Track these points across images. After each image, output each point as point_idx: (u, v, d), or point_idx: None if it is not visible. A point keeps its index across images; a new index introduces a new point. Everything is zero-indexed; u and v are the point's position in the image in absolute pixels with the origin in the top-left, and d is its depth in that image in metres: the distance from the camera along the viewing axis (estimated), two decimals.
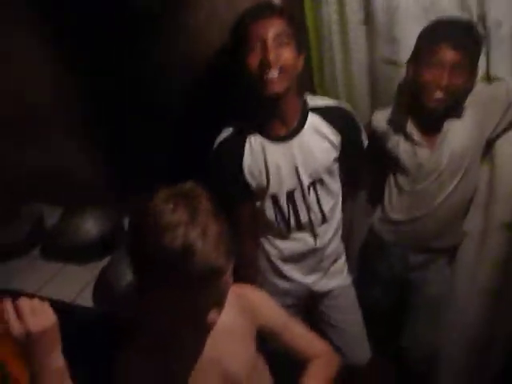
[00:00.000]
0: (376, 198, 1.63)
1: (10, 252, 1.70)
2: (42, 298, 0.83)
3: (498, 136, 1.42)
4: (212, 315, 0.82)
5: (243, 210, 1.39)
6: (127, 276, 1.46)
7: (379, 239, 1.60)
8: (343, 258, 1.54)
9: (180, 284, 0.76)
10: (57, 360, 0.80)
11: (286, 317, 1.09)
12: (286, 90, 1.22)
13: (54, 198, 1.89)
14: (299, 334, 1.08)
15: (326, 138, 1.31)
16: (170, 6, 1.40)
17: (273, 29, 1.17)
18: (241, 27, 1.22)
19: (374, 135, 1.50)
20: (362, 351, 1.57)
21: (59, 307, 1.25)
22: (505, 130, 1.41)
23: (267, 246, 1.44)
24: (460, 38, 1.29)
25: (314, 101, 1.34)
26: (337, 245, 1.48)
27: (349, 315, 1.56)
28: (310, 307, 1.56)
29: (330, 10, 1.48)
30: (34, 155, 1.88)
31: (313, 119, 1.31)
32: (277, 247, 1.42)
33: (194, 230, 0.75)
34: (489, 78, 1.40)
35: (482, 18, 1.33)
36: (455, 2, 1.35)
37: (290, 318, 1.09)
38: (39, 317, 0.77)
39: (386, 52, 1.48)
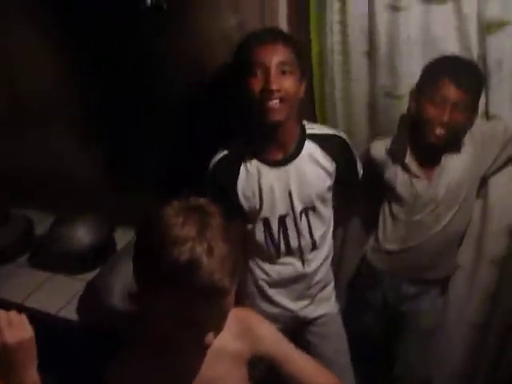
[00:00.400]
0: (369, 227, 1.63)
1: None
2: (22, 309, 0.83)
3: (494, 172, 1.44)
4: (209, 337, 0.81)
5: (233, 231, 1.37)
6: (117, 289, 1.44)
7: (372, 268, 1.59)
8: (331, 285, 1.53)
9: (182, 298, 0.76)
10: (33, 374, 0.81)
11: (289, 346, 1.06)
12: (286, 118, 1.22)
13: (46, 203, 1.88)
14: (302, 365, 1.04)
15: (321, 165, 1.32)
16: (174, 4, 1.41)
17: (277, 56, 1.17)
18: (245, 49, 1.21)
19: (371, 164, 1.50)
20: (347, 381, 1.54)
21: (41, 319, 1.24)
22: (501, 167, 1.43)
23: (255, 270, 1.43)
24: (463, 76, 1.30)
25: (311, 128, 1.35)
26: (326, 272, 1.46)
27: (335, 344, 1.54)
28: (296, 335, 1.54)
29: (334, 40, 1.50)
30: (28, 155, 1.87)
31: (309, 146, 1.31)
32: (265, 271, 1.41)
33: (201, 245, 0.75)
34: (488, 116, 1.42)
35: (483, 56, 1.36)
36: (455, 40, 1.38)
37: (293, 348, 1.06)
38: (16, 329, 0.78)
39: (387, 83, 1.50)
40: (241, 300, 1.43)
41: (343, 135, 1.39)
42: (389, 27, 1.41)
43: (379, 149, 1.49)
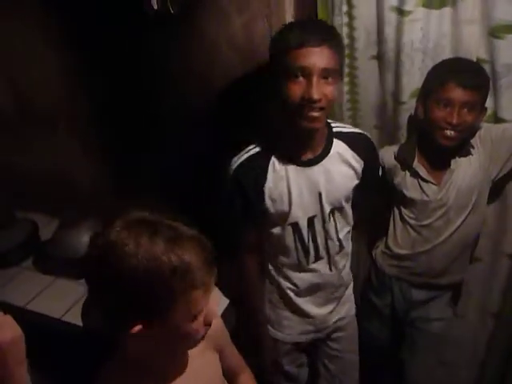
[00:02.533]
0: (379, 232, 1.62)
1: (1, 261, 1.66)
2: (25, 313, 0.83)
3: (506, 176, 1.43)
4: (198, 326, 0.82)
5: (253, 233, 1.35)
6: None
7: (382, 273, 1.59)
8: (351, 286, 1.51)
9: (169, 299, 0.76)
10: (23, 374, 0.80)
11: (230, 340, 1.11)
12: (321, 125, 1.19)
13: (51, 208, 1.87)
14: (234, 351, 1.12)
15: (350, 165, 1.28)
16: (186, 10, 1.39)
17: (321, 61, 1.07)
18: (285, 48, 1.09)
19: (381, 170, 1.50)
20: (354, 379, 1.58)
21: (46, 323, 1.23)
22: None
23: (280, 279, 1.38)
24: (468, 77, 1.31)
25: (337, 126, 1.30)
26: (348, 272, 1.45)
27: (351, 345, 1.55)
28: (320, 346, 1.53)
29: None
30: (34, 159, 1.87)
31: (338, 145, 1.27)
32: (292, 280, 1.37)
33: (174, 253, 0.75)
34: (496, 120, 1.42)
35: (490, 61, 1.35)
36: (455, 46, 1.38)
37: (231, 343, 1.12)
38: (5, 329, 0.77)
39: (393, 88, 1.51)
40: (257, 311, 1.44)
41: (368, 134, 1.36)
42: (395, 32, 1.41)
43: (389, 155, 1.49)
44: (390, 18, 1.40)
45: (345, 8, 1.46)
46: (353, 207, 1.36)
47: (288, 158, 1.24)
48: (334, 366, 1.54)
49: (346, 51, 1.50)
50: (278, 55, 1.13)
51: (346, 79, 1.56)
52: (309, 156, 1.24)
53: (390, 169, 1.49)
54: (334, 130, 1.28)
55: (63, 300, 1.56)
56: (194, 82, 1.52)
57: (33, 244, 1.76)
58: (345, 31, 1.49)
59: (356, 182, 1.31)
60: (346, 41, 1.50)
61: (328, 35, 1.10)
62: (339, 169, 1.27)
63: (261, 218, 1.29)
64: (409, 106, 1.49)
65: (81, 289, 1.58)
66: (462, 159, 1.41)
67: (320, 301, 1.41)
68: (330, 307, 1.43)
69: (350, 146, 1.27)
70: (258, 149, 1.26)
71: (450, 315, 1.61)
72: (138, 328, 0.76)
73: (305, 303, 1.40)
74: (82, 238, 1.66)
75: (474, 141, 1.41)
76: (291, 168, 1.24)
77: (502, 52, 1.32)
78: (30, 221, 1.83)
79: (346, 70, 1.54)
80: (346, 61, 1.52)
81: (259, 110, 1.41)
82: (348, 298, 1.49)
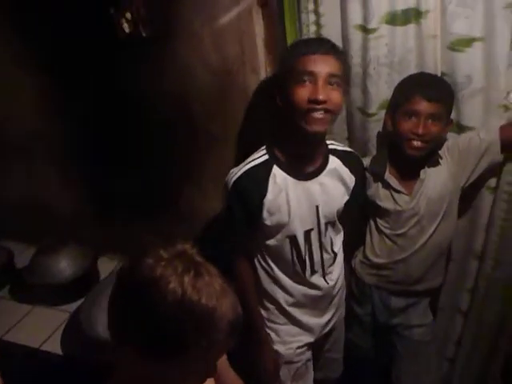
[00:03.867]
0: (357, 242, 1.65)
1: None
2: (3, 344, 0.80)
3: (474, 182, 1.48)
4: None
5: (250, 250, 1.36)
6: (101, 320, 1.40)
7: (361, 282, 1.61)
8: (344, 291, 1.54)
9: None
10: None
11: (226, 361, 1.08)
12: (326, 130, 1.22)
13: (27, 234, 1.84)
14: (231, 375, 1.09)
15: (343, 180, 1.32)
16: (159, 33, 1.42)
17: (327, 67, 1.15)
18: (294, 56, 1.18)
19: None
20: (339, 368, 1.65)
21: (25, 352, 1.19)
22: (479, 177, 1.47)
23: (277, 292, 1.38)
24: (432, 90, 1.36)
25: (332, 144, 1.34)
26: (342, 279, 1.48)
27: (337, 344, 1.59)
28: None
29: None
30: (9, 185, 1.84)
31: (334, 161, 1.30)
32: (289, 292, 1.37)
33: (217, 286, 0.75)
34: (460, 128, 1.47)
35: (450, 73, 1.41)
36: (419, 60, 1.44)
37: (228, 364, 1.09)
38: None
39: (361, 102, 1.55)
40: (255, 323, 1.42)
41: (357, 153, 1.42)
42: (361, 48, 1.46)
43: None
44: (356, 35, 1.45)
45: (313, 28, 1.51)
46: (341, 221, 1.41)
47: (288, 171, 1.25)
48: (321, 365, 1.57)
49: None
50: (288, 62, 1.19)
51: None
52: (308, 170, 1.27)
53: None
54: (329, 146, 1.32)
55: (42, 329, 1.52)
56: (169, 104, 1.54)
57: (8, 272, 1.72)
58: None
59: (347, 197, 1.34)
60: None
61: (334, 47, 1.21)
62: (334, 184, 1.30)
63: (258, 230, 1.29)
64: (377, 117, 1.54)
65: (60, 315, 1.55)
66: (432, 169, 1.46)
67: (318, 312, 1.43)
68: (327, 316, 1.45)
69: (344, 163, 1.32)
70: (258, 161, 1.26)
71: (430, 320, 1.64)
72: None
73: (303, 315, 1.41)
74: (61, 264, 1.64)
75: (443, 151, 1.46)
76: (291, 181, 1.25)
77: (463, 64, 1.38)
78: (5, 249, 1.80)
79: None
80: None
81: (252, 125, 1.45)
82: (342, 303, 1.53)
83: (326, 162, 1.29)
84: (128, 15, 1.35)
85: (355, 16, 1.43)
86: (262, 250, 1.35)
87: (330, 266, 1.39)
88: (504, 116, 1.41)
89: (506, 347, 1.64)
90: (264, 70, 1.45)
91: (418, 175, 1.46)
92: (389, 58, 1.46)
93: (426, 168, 1.45)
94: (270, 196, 1.24)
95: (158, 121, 1.56)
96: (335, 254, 1.38)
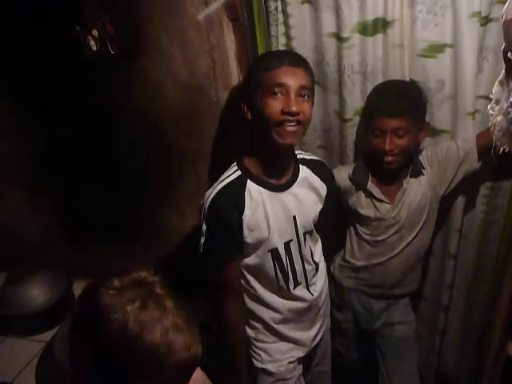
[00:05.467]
0: (336, 247, 1.66)
1: None
2: None
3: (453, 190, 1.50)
4: None
5: (233, 269, 1.29)
6: None
7: (340, 287, 1.61)
8: (329, 302, 1.54)
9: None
10: None
11: None
12: (297, 142, 1.21)
13: None
14: None
15: (315, 189, 1.32)
16: (127, 50, 1.39)
17: (298, 79, 1.15)
18: (265, 68, 1.16)
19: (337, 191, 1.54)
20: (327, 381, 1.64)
21: None
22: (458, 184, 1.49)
23: (261, 310, 1.34)
24: (393, 106, 1.37)
25: (300, 154, 1.34)
26: (327, 290, 1.48)
27: (324, 357, 1.57)
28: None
29: None
30: None
31: (304, 171, 1.30)
32: (274, 308, 1.34)
33: (168, 322, 0.72)
34: (434, 132, 1.49)
35: (425, 80, 1.42)
36: (388, 69, 1.45)
37: None
38: None
39: (337, 107, 1.56)
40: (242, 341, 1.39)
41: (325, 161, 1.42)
42: (335, 56, 1.47)
43: (343, 176, 1.53)
44: (330, 44, 1.46)
45: (283, 40, 1.50)
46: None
47: (262, 184, 1.23)
48: (308, 379, 1.55)
49: None
50: (258, 75, 1.18)
51: None
52: (281, 181, 1.26)
53: (344, 189, 1.53)
54: (298, 156, 1.32)
55: (15, 361, 1.45)
56: (140, 122, 1.51)
57: None
58: None
59: (320, 206, 1.34)
60: None
61: (304, 60, 1.22)
62: (306, 193, 1.30)
63: (238, 250, 1.25)
64: (353, 122, 1.55)
65: (35, 346, 1.48)
66: (413, 180, 1.47)
67: (306, 325, 1.41)
68: (316, 328, 1.44)
69: (313, 172, 1.32)
70: (230, 178, 1.23)
71: (412, 318, 1.65)
72: None
73: (291, 330, 1.38)
74: (33, 292, 1.57)
75: (423, 161, 1.47)
76: (266, 193, 1.23)
77: (435, 70, 1.40)
78: None
79: None
80: None
81: (226, 140, 1.43)
82: (327, 314, 1.52)
83: (297, 172, 1.29)
84: (95, 33, 1.31)
85: (328, 24, 1.43)
86: (243, 271, 1.30)
87: (313, 276, 1.38)
88: (472, 123, 1.43)
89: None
90: (237, 85, 1.43)
91: (401, 184, 1.47)
92: (362, 66, 1.48)
93: (408, 178, 1.46)
94: (247, 212, 1.21)
95: (130, 140, 1.52)
96: (316, 264, 1.38)
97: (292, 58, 1.19)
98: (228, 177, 1.23)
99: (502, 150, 1.07)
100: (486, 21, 1.30)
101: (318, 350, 1.52)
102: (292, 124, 1.15)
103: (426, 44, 1.37)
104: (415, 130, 1.39)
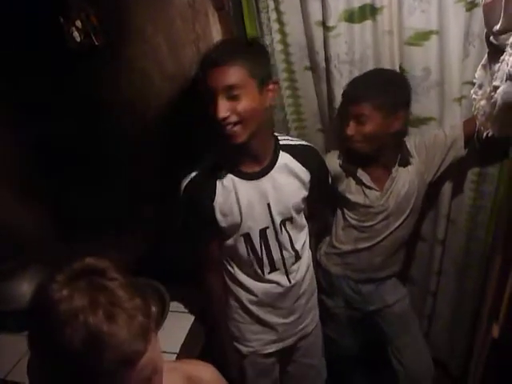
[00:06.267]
0: (323, 234, 1.68)
1: None
2: None
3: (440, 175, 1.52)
4: None
5: (211, 247, 1.34)
6: None
7: (328, 274, 1.64)
8: (316, 294, 1.52)
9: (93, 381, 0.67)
10: None
11: None
12: (249, 138, 1.16)
13: None
14: None
15: (296, 176, 1.29)
16: (112, 41, 1.37)
17: (222, 79, 1.08)
18: (200, 73, 1.14)
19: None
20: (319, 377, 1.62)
21: None
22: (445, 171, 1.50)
23: (239, 291, 1.37)
24: (356, 91, 1.40)
25: (284, 139, 1.32)
26: (310, 280, 1.46)
27: (315, 351, 1.57)
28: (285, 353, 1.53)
29: (278, 59, 1.55)
30: None
31: (284, 157, 1.28)
32: (250, 290, 1.36)
33: (97, 313, 0.66)
34: (421, 121, 1.50)
35: (409, 66, 1.43)
36: (377, 56, 1.46)
37: None
38: None
39: (327, 95, 1.57)
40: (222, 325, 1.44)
41: (315, 146, 1.39)
42: (323, 45, 1.47)
43: (334, 162, 1.54)
44: (317, 32, 1.46)
45: (276, 26, 1.50)
46: (309, 217, 1.40)
47: (234, 173, 1.24)
48: (298, 372, 1.56)
49: (284, 65, 1.57)
50: (198, 79, 1.16)
51: (286, 86, 1.61)
52: (255, 169, 1.25)
53: (335, 175, 1.54)
54: (281, 142, 1.30)
55: (7, 357, 1.45)
56: (127, 113, 1.49)
57: None
58: (279, 48, 1.54)
59: (305, 193, 1.32)
60: (281, 56, 1.55)
61: (229, 54, 1.11)
62: (287, 180, 1.28)
63: (215, 232, 1.29)
64: None
65: (25, 342, 1.47)
66: (402, 169, 1.48)
67: (283, 312, 1.41)
68: (294, 317, 1.43)
69: (295, 158, 1.29)
70: (204, 167, 1.26)
71: (404, 292, 1.68)
72: None
73: (267, 314, 1.39)
74: (24, 289, 1.56)
75: (411, 150, 1.47)
76: (239, 181, 1.24)
77: (421, 58, 1.40)
78: None
79: (286, 82, 1.60)
80: (285, 74, 1.58)
81: (199, 130, 1.41)
82: (313, 306, 1.51)
83: (275, 159, 1.27)
84: (78, 24, 1.30)
85: (316, 13, 1.43)
86: (223, 252, 1.35)
87: (293, 264, 1.37)
88: (458, 109, 1.44)
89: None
90: None
91: (390, 172, 1.48)
92: (349, 55, 1.48)
93: (397, 166, 1.48)
94: (219, 199, 1.25)
95: (118, 131, 1.51)
96: (296, 252, 1.36)
97: (221, 55, 1.10)
98: (201, 165, 1.26)
99: (485, 134, 1.07)
100: (471, 6, 1.30)
101: (303, 343, 1.51)
102: (229, 127, 1.12)
103: (412, 32, 1.37)
104: (382, 117, 1.38)
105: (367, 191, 1.50)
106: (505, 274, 0.80)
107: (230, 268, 1.36)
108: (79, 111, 1.52)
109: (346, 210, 1.56)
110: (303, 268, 1.40)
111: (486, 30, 0.94)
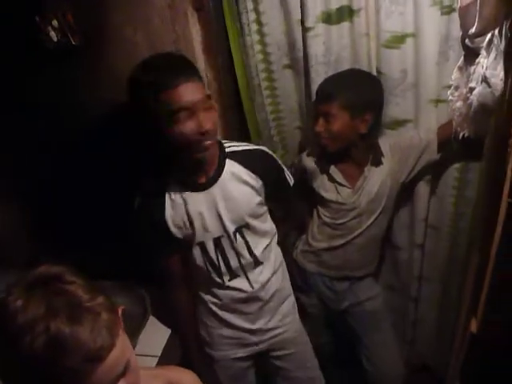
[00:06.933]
0: (298, 232, 1.71)
1: None
2: None
3: (414, 177, 1.54)
4: None
5: (173, 261, 1.34)
6: None
7: (303, 272, 1.66)
8: (292, 298, 1.50)
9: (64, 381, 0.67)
10: None
11: None
12: (212, 147, 1.19)
13: None
14: None
15: (246, 183, 1.27)
16: (90, 41, 1.35)
17: (195, 94, 1.08)
18: (158, 93, 1.07)
19: (303, 172, 1.60)
20: None
21: None
22: (419, 173, 1.53)
23: (205, 297, 1.38)
24: (324, 90, 1.44)
25: (231, 146, 1.29)
26: (279, 285, 1.42)
27: (303, 362, 1.53)
28: (263, 359, 1.52)
29: (257, 59, 1.56)
30: None
31: (230, 165, 1.26)
32: (216, 295, 1.36)
33: (57, 318, 0.66)
34: (398, 123, 1.52)
35: (386, 69, 1.45)
36: (354, 58, 1.48)
37: None
38: None
39: (305, 93, 1.59)
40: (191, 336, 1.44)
41: (265, 148, 1.35)
42: (302, 44, 1.49)
43: (310, 159, 1.58)
44: (297, 31, 1.47)
45: (254, 26, 1.51)
46: (279, 217, 1.41)
47: (182, 185, 1.25)
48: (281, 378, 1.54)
49: (263, 65, 1.58)
50: (152, 99, 1.08)
51: (265, 86, 1.62)
52: (202, 180, 1.24)
53: (311, 171, 1.57)
54: (227, 149, 1.28)
55: None
56: (106, 114, 1.47)
57: None
58: (258, 48, 1.55)
59: (258, 198, 1.30)
60: (260, 56, 1.56)
61: (188, 68, 1.12)
62: (237, 188, 1.26)
63: (173, 244, 1.30)
64: None
65: None
66: (374, 168, 1.51)
67: (250, 317, 1.40)
68: (263, 321, 1.41)
69: (243, 165, 1.27)
70: (152, 180, 1.28)
71: (377, 291, 1.70)
72: None
73: (234, 318, 1.39)
74: None
75: (385, 150, 1.50)
76: (187, 194, 1.25)
77: (398, 61, 1.42)
78: None
79: (266, 82, 1.61)
80: (264, 74, 1.60)
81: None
82: (289, 311, 1.48)
83: (221, 168, 1.25)
84: (55, 23, 1.27)
85: (296, 12, 1.45)
86: (185, 261, 1.35)
87: (253, 269, 1.35)
88: (434, 111, 1.47)
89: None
90: (205, 76, 1.41)
91: (363, 171, 1.51)
92: (326, 56, 1.49)
93: (370, 166, 1.50)
94: (169, 212, 1.26)
95: (95, 132, 1.49)
96: (255, 257, 1.34)
97: (176, 72, 1.09)
98: (150, 179, 1.28)
99: (461, 135, 1.10)
100: (449, 10, 1.32)
101: (287, 352, 1.48)
102: (207, 140, 1.16)
103: (389, 35, 1.39)
104: (348, 117, 1.41)
105: (339, 188, 1.53)
106: (483, 268, 0.82)
107: (194, 275, 1.36)
108: (55, 111, 1.49)
109: (320, 208, 1.60)
110: (267, 272, 1.37)
111: (461, 33, 0.96)
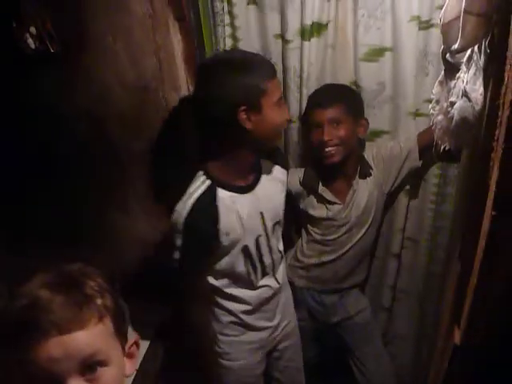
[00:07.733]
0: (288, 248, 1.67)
1: None
2: None
3: (396, 188, 1.56)
4: None
5: (202, 274, 1.31)
6: None
7: (292, 286, 1.63)
8: (289, 288, 1.54)
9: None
10: None
11: None
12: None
13: None
14: None
15: (278, 179, 1.34)
16: (69, 49, 1.32)
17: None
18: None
19: (288, 194, 1.52)
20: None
21: None
22: (402, 181, 1.56)
23: (231, 306, 1.35)
24: (324, 97, 1.45)
25: None
26: (286, 279, 1.49)
27: (297, 353, 1.57)
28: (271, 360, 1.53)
29: None
30: None
31: (265, 164, 1.31)
32: (244, 301, 1.35)
33: (45, 288, 0.71)
34: (376, 134, 1.55)
35: (364, 81, 1.48)
36: (335, 72, 1.51)
37: None
38: None
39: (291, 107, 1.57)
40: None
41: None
42: (281, 57, 1.51)
43: (294, 180, 1.55)
44: (276, 45, 1.49)
45: (229, 41, 1.51)
46: None
47: (233, 189, 1.22)
48: (284, 377, 1.56)
49: None
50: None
51: None
52: (248, 181, 1.26)
53: (296, 193, 1.56)
54: None
55: None
56: (85, 123, 1.44)
57: None
58: None
59: (284, 193, 1.37)
60: None
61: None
62: (272, 185, 1.32)
63: (212, 255, 1.26)
64: (297, 124, 1.59)
65: None
66: (361, 181, 1.52)
67: (270, 314, 1.42)
68: (278, 316, 1.44)
69: (272, 161, 1.33)
70: (201, 189, 1.19)
71: (366, 303, 1.71)
72: None
73: (257, 321, 1.39)
74: None
75: (370, 161, 1.51)
76: (237, 197, 1.23)
77: (376, 74, 1.46)
78: None
79: None
80: None
81: (174, 142, 1.39)
82: (288, 301, 1.51)
83: (259, 168, 1.30)
84: (32, 30, 1.24)
85: (274, 26, 1.46)
86: (213, 272, 1.30)
87: (279, 264, 1.40)
88: (413, 123, 1.50)
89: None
90: (186, 87, 1.40)
91: (351, 185, 1.51)
92: (303, 69, 1.50)
93: (358, 178, 1.51)
94: (223, 220, 1.20)
95: (74, 141, 1.45)
96: (281, 252, 1.40)
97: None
98: (197, 188, 1.19)
99: (442, 148, 1.13)
100: (427, 25, 1.36)
101: (287, 343, 1.52)
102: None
103: (367, 48, 1.42)
104: (351, 121, 1.44)
105: (329, 206, 1.53)
106: (465, 278, 0.83)
107: (221, 286, 1.32)
108: (32, 118, 1.45)
109: (309, 226, 1.58)
110: (283, 266, 1.43)
111: (442, 48, 0.98)
